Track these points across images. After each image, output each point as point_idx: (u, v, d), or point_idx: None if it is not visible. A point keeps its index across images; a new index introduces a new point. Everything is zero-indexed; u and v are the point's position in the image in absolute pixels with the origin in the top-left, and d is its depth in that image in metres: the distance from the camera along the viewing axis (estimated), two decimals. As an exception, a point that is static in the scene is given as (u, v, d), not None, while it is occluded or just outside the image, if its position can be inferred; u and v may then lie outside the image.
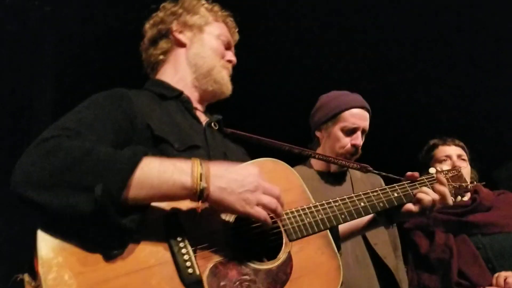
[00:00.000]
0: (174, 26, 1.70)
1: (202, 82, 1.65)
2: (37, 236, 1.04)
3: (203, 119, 1.63)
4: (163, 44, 1.70)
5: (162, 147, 1.35)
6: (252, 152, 1.78)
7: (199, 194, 1.12)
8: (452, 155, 2.65)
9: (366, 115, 2.43)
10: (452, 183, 1.78)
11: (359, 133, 2.38)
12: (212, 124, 1.62)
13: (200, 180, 1.12)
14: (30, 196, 1.05)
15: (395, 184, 1.67)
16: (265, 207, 1.19)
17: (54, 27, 3.29)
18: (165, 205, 1.20)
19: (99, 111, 1.30)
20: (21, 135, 3.16)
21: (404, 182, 1.67)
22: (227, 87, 1.69)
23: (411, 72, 4.16)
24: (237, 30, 1.83)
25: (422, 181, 1.70)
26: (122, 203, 1.07)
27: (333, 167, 2.43)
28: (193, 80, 1.65)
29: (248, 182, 1.18)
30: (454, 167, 1.84)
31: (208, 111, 1.74)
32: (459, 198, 1.81)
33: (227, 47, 1.75)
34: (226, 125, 1.72)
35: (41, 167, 1.07)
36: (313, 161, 2.52)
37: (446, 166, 2.49)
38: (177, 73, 1.65)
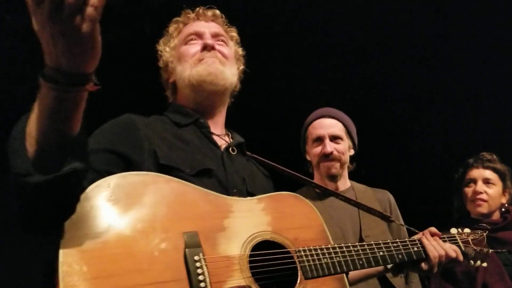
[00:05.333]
0: (166, 75, 1.70)
1: (195, 97, 1.60)
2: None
3: (222, 143, 1.59)
4: (168, 93, 1.73)
5: (173, 174, 1.31)
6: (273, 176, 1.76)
7: None
8: (478, 179, 2.59)
9: (328, 122, 2.43)
10: (473, 246, 1.74)
11: (326, 141, 2.38)
12: (230, 149, 1.57)
13: None
14: None
15: (414, 237, 1.64)
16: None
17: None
18: (188, 221, 1.20)
19: (102, 139, 1.34)
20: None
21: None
22: (211, 79, 1.56)
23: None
24: (200, 9, 1.70)
25: (443, 239, 1.67)
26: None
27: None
28: (194, 100, 1.61)
29: None
30: (477, 230, 1.80)
31: (233, 132, 1.69)
32: (478, 262, 1.76)
33: (197, 38, 1.64)
34: (249, 148, 1.68)
35: None
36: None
37: (470, 193, 2.61)
38: (186, 103, 1.64)
